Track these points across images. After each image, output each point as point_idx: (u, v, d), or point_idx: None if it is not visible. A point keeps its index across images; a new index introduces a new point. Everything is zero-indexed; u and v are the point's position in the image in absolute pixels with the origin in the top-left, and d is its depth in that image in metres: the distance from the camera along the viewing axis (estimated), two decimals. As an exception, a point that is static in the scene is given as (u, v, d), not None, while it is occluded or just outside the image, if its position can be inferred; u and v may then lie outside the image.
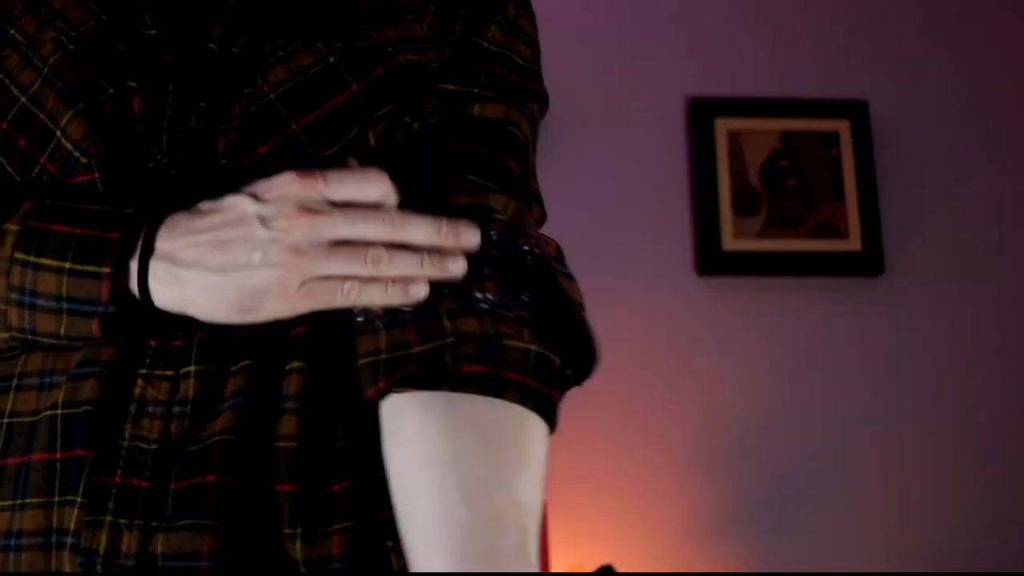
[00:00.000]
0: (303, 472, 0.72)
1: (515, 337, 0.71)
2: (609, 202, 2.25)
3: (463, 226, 0.73)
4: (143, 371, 0.74)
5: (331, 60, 0.80)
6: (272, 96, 0.79)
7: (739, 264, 2.23)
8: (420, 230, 0.72)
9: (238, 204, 0.72)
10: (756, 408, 2.19)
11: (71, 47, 0.80)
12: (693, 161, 2.27)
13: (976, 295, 2.28)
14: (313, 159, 0.78)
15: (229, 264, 0.71)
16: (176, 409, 0.73)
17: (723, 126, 2.28)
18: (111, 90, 0.78)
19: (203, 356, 0.74)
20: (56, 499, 0.72)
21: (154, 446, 0.72)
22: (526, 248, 0.76)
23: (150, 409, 0.73)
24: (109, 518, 0.71)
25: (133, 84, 0.78)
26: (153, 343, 0.74)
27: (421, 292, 0.72)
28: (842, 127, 2.30)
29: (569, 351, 0.76)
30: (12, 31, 0.82)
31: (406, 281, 0.72)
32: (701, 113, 2.28)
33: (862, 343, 2.24)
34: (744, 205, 2.25)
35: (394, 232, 0.72)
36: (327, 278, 0.71)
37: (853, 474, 2.17)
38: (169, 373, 0.74)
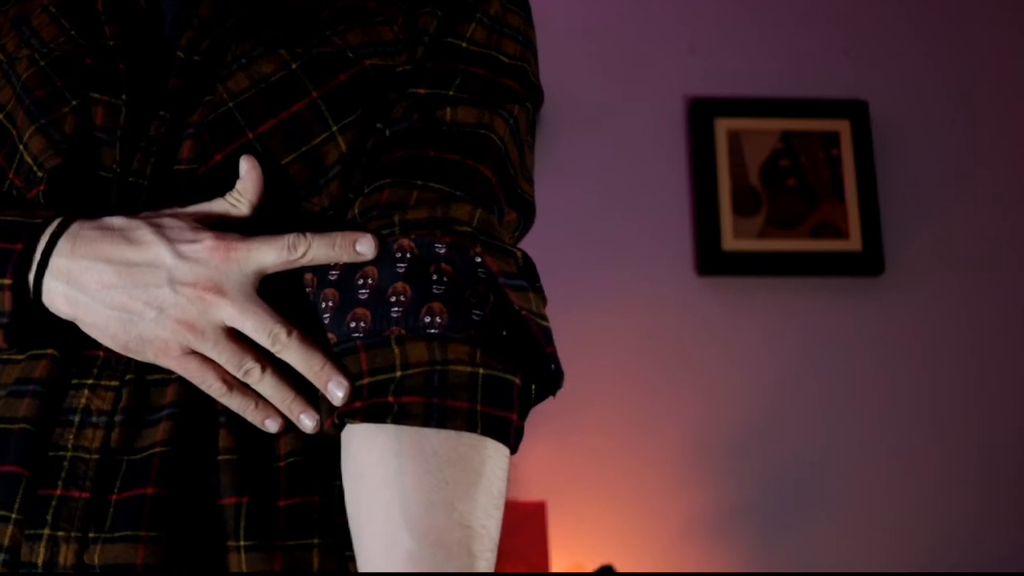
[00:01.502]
0: (245, 485, 0.73)
1: (463, 362, 0.71)
2: (609, 202, 2.25)
3: (361, 241, 0.73)
4: (90, 381, 0.75)
5: (293, 67, 0.79)
6: (231, 104, 0.78)
7: (739, 264, 2.23)
8: (298, 358, 0.72)
9: (153, 249, 0.73)
10: (756, 408, 2.19)
11: (42, 63, 0.81)
12: (693, 161, 2.27)
13: (976, 295, 2.28)
14: (269, 169, 0.77)
15: (123, 306, 0.72)
16: (118, 418, 0.74)
17: (723, 126, 2.28)
18: (74, 102, 0.79)
19: (142, 364, 0.75)
20: None
21: (96, 456, 0.73)
22: (478, 261, 0.74)
23: (93, 419, 0.74)
24: (47, 531, 0.71)
25: (96, 95, 0.79)
26: (101, 353, 0.75)
27: (273, 427, 0.73)
28: (842, 127, 2.30)
29: (531, 367, 0.74)
30: None
31: (268, 410, 0.73)
32: (701, 113, 2.28)
33: (862, 343, 2.24)
34: (744, 205, 2.25)
35: (275, 349, 0.72)
36: (205, 360, 0.73)
37: (853, 473, 2.17)
38: (114, 383, 0.75)
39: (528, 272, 0.77)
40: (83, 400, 0.74)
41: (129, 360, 0.75)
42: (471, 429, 0.70)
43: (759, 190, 2.26)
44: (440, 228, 0.75)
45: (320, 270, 0.75)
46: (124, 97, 0.79)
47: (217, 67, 0.79)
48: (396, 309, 0.72)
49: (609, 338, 2.18)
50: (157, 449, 0.72)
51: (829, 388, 2.21)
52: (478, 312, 0.72)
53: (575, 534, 2.08)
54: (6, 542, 0.71)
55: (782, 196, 2.26)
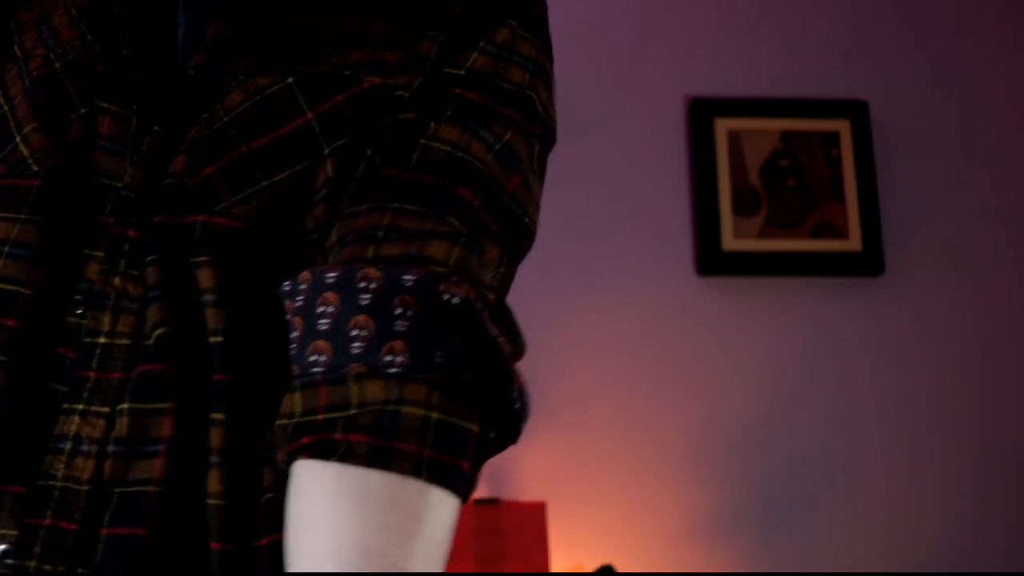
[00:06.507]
0: (231, 530, 0.71)
1: (418, 403, 0.68)
2: (609, 202, 2.25)
3: None
4: (80, 407, 0.73)
5: (289, 81, 0.78)
6: (226, 119, 0.77)
7: (739, 264, 2.23)
8: None
9: None
10: (756, 408, 2.19)
11: (56, 65, 0.81)
12: (693, 161, 2.27)
13: (976, 295, 2.28)
14: (259, 187, 0.76)
15: None
16: (111, 448, 0.72)
17: (723, 126, 2.28)
18: (83, 110, 0.79)
19: (138, 393, 0.73)
20: None
21: (87, 487, 0.71)
22: (446, 298, 0.70)
23: (84, 447, 0.72)
24: (34, 563, 0.70)
25: (104, 104, 0.79)
26: (92, 375, 0.74)
27: None
28: (842, 127, 2.30)
29: (492, 414, 0.71)
30: (16, 47, 0.84)
31: None
32: (701, 113, 2.28)
33: (862, 343, 2.24)
34: (744, 205, 2.25)
35: None
36: None
37: (852, 474, 2.18)
38: (105, 410, 0.73)
39: (500, 312, 0.74)
40: (74, 427, 0.73)
41: (122, 384, 0.73)
42: (416, 475, 0.67)
43: (759, 190, 2.26)
44: (413, 263, 0.72)
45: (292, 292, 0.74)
46: (135, 108, 0.79)
47: (218, 85, 0.79)
48: (357, 345, 0.69)
49: (609, 338, 2.18)
50: (152, 488, 0.71)
51: (829, 388, 2.21)
52: (441, 353, 0.69)
53: (575, 534, 2.08)
54: None
55: (782, 196, 2.26)
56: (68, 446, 0.72)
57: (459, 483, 0.69)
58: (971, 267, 2.29)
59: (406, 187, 0.76)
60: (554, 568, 2.02)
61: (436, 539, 0.68)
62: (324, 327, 0.70)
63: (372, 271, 0.71)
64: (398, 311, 0.70)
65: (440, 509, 0.68)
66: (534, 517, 2.03)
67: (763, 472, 2.16)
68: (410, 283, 0.70)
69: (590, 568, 2.01)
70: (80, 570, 0.70)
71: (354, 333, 0.69)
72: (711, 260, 2.22)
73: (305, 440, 0.68)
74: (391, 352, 0.69)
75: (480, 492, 2.06)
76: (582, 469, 2.12)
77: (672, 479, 2.14)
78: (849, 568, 2.10)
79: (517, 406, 0.72)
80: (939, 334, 2.25)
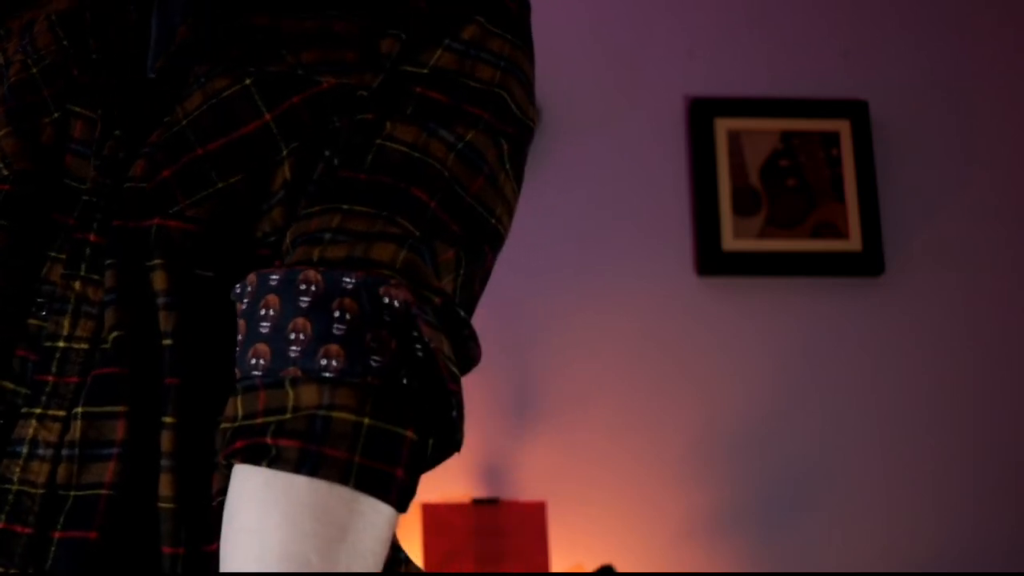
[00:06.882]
0: (182, 534, 0.71)
1: (350, 409, 0.67)
2: (609, 202, 2.25)
3: None
4: (38, 411, 0.73)
5: (246, 82, 0.77)
6: (184, 123, 0.77)
7: (739, 264, 2.23)
8: None
9: None
10: (756, 408, 2.19)
11: (33, 70, 0.81)
12: (693, 161, 2.27)
13: (976, 295, 2.28)
14: (216, 189, 0.76)
15: None
16: (65, 452, 0.72)
17: (723, 126, 2.28)
18: (56, 114, 0.79)
19: (92, 396, 0.73)
20: None
21: (41, 490, 0.71)
22: (386, 301, 0.69)
23: (40, 451, 0.72)
24: None
25: (76, 108, 0.79)
26: (50, 379, 0.74)
27: None
28: (842, 127, 2.30)
29: (430, 421, 0.70)
30: (1, 54, 0.85)
31: None
32: (701, 113, 2.28)
33: (862, 343, 2.24)
34: (744, 205, 2.25)
35: None
36: None
37: (853, 474, 2.18)
38: (61, 414, 0.73)
39: (447, 316, 0.73)
40: (31, 431, 0.73)
41: (78, 388, 0.73)
42: (343, 481, 0.66)
43: (759, 190, 2.26)
44: (356, 266, 0.71)
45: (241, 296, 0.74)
46: (99, 112, 0.79)
47: (180, 88, 0.79)
48: (295, 348, 0.68)
49: (609, 338, 2.18)
50: (103, 492, 0.71)
51: (829, 388, 2.21)
52: (377, 358, 0.68)
53: (575, 534, 2.08)
54: None
55: (782, 196, 2.26)
56: (25, 450, 0.72)
57: (391, 490, 0.67)
58: (971, 267, 2.29)
59: (359, 188, 0.75)
60: (554, 568, 2.02)
61: (362, 547, 0.66)
62: (264, 330, 0.70)
63: (312, 273, 0.70)
64: (336, 314, 0.69)
65: (369, 517, 0.67)
66: (534, 517, 2.03)
67: (763, 472, 2.16)
68: (350, 286, 0.69)
69: (590, 568, 2.01)
70: (30, 572, 0.70)
71: (292, 336, 0.69)
72: (711, 260, 2.22)
73: (239, 444, 0.68)
74: (327, 356, 0.68)
75: (480, 492, 2.06)
76: (582, 469, 2.12)
77: (672, 479, 2.14)
78: (849, 568, 2.10)
79: (454, 413, 0.70)
80: (939, 334, 2.25)
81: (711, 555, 2.11)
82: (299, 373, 0.68)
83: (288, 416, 0.67)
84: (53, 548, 0.70)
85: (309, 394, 0.67)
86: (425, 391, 0.69)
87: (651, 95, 2.30)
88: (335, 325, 0.68)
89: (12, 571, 0.70)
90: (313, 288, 0.69)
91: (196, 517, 0.72)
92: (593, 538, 2.09)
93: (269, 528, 0.65)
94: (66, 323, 0.75)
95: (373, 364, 0.68)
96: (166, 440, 0.72)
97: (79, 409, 0.73)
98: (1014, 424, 2.23)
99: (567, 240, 2.19)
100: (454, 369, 0.70)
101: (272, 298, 0.70)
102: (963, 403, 2.23)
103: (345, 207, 0.74)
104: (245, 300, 0.72)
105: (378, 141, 0.76)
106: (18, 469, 0.72)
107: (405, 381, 0.69)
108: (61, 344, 0.75)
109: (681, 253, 2.24)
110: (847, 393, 2.21)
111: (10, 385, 0.75)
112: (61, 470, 0.72)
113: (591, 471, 2.12)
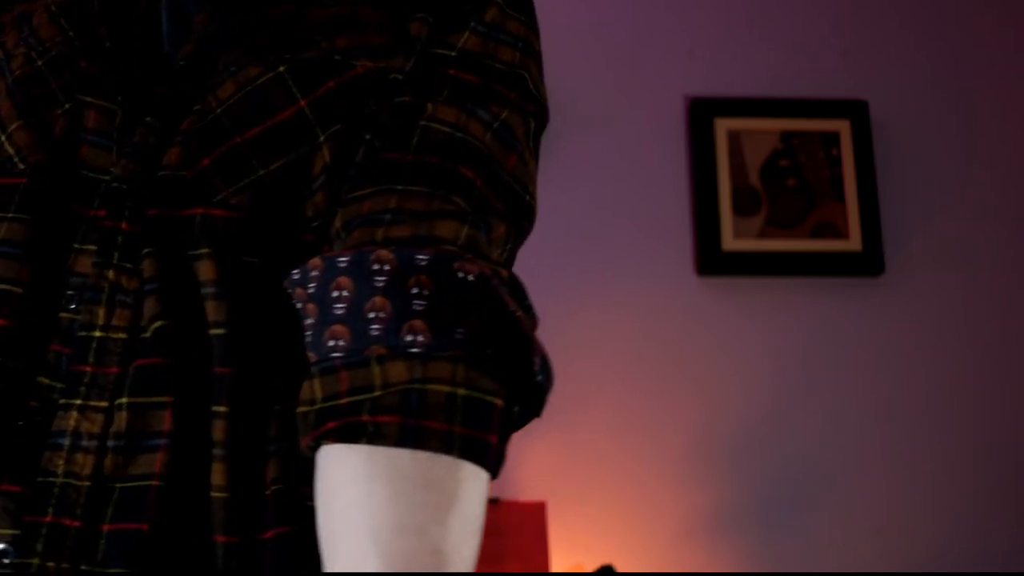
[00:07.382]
0: (235, 523, 0.71)
1: (443, 381, 0.68)
2: (609, 202, 2.25)
3: None
4: (78, 402, 0.73)
5: (280, 69, 0.78)
6: (219, 111, 0.77)
7: (739, 264, 2.23)
8: None
9: None
10: (756, 408, 2.19)
11: (39, 63, 0.81)
12: (693, 161, 2.27)
13: (976, 295, 2.28)
14: (256, 177, 0.77)
15: None
16: (111, 443, 0.72)
17: (723, 126, 2.28)
18: (67, 105, 0.79)
19: (136, 387, 0.73)
20: None
21: (87, 483, 0.71)
22: (461, 275, 0.71)
23: (84, 443, 0.72)
24: (36, 561, 0.69)
25: (88, 99, 0.79)
26: (88, 369, 0.73)
27: None
28: (842, 127, 2.30)
29: (517, 387, 0.72)
30: None
31: None
32: (701, 113, 2.28)
33: (862, 343, 2.24)
34: (744, 205, 2.25)
35: None
36: None
37: (852, 474, 2.17)
38: (104, 404, 0.73)
39: (514, 288, 0.75)
40: (72, 422, 0.72)
41: (119, 379, 0.73)
42: (446, 451, 0.67)
43: (759, 190, 2.26)
44: (424, 244, 0.72)
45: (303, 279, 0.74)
46: (120, 99, 0.79)
47: (208, 78, 0.79)
48: (376, 327, 0.69)
49: (609, 338, 2.18)
50: (154, 483, 0.71)
51: (829, 388, 2.21)
52: (461, 331, 0.69)
53: (575, 534, 2.08)
54: None
55: (782, 196, 2.26)
56: (67, 442, 0.72)
57: (488, 457, 0.69)
58: (971, 267, 2.29)
59: (409, 169, 0.76)
60: (554, 568, 2.02)
61: (471, 513, 0.68)
62: (340, 311, 0.70)
63: (384, 253, 0.71)
64: (414, 291, 0.70)
65: (472, 483, 0.68)
66: (534, 517, 2.03)
67: (763, 472, 2.16)
68: (424, 262, 0.71)
69: (590, 568, 2.01)
70: (83, 567, 0.69)
71: (372, 315, 0.70)
72: (711, 260, 2.22)
73: (331, 425, 0.68)
74: (411, 331, 0.69)
75: (480, 492, 2.06)
76: (582, 469, 2.12)
77: (672, 479, 2.14)
78: (849, 568, 2.10)
79: (539, 378, 0.72)
80: (939, 334, 2.25)
81: (711, 555, 2.11)
82: (384, 351, 0.69)
83: (379, 393, 0.68)
84: (103, 541, 0.70)
85: (397, 370, 0.68)
86: (506, 359, 0.71)
87: (651, 95, 2.30)
88: (414, 302, 0.69)
89: (64, 565, 0.69)
90: (387, 267, 0.71)
91: (249, 506, 0.72)
92: (593, 538, 2.08)
93: (379, 503, 0.66)
94: (101, 313, 0.75)
95: (458, 336, 0.69)
96: (218, 429, 0.72)
97: (123, 400, 0.72)
98: (1014, 424, 2.23)
99: (567, 240, 2.19)
100: (536, 336, 0.72)
101: (344, 280, 0.71)
102: (963, 403, 2.23)
103: (399, 188, 0.75)
104: (311, 284, 0.72)
105: (422, 122, 0.78)
106: (62, 462, 0.72)
107: (489, 351, 0.70)
108: (97, 334, 0.74)
109: (681, 253, 2.24)
110: (847, 393, 2.21)
111: (46, 380, 0.74)
112: (107, 462, 0.72)
113: (591, 471, 2.12)
